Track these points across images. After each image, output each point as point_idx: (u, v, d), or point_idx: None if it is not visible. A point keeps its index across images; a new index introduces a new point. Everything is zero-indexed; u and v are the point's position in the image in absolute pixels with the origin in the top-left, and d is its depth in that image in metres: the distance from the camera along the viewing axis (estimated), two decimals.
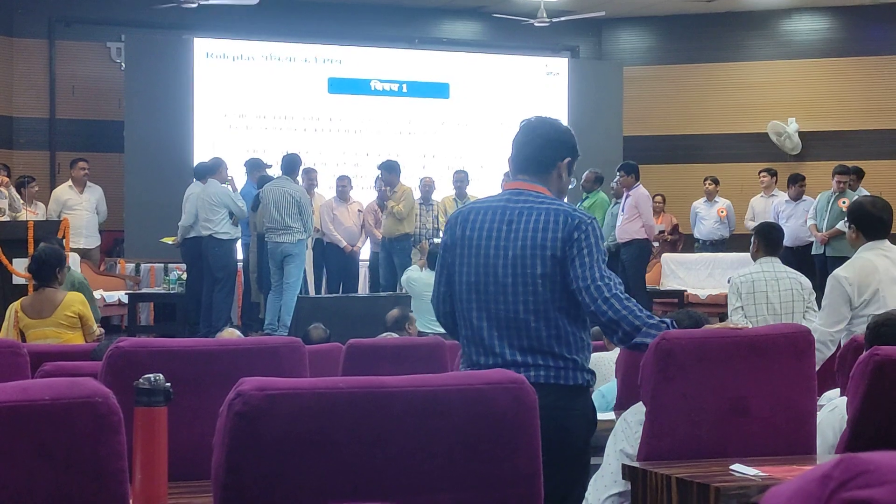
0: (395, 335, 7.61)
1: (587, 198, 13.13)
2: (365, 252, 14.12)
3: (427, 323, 10.25)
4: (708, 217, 15.27)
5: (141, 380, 2.88)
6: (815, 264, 13.18)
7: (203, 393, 3.25)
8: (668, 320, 3.83)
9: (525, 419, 2.38)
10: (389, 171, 13.14)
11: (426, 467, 2.30)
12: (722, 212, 15.21)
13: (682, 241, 15.90)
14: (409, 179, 13.73)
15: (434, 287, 4.00)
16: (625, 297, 3.69)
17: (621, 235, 12.57)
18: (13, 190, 13.01)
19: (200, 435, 3.08)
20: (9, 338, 6.91)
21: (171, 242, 12.91)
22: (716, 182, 15.34)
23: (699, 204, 15.41)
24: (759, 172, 15.08)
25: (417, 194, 13.50)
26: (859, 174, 13.58)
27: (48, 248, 7.90)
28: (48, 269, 7.30)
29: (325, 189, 14.31)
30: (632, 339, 3.71)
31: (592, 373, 3.82)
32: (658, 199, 15.19)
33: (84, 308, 7.37)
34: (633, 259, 12.64)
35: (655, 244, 14.13)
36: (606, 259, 3.79)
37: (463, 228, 3.88)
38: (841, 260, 13.06)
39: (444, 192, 14.02)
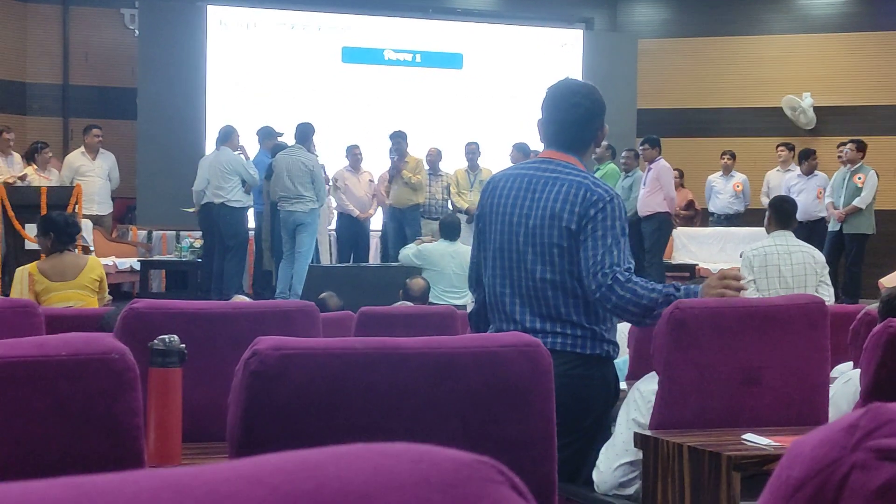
0: (409, 304, 7.61)
1: (598, 169, 13.11)
2: (376, 222, 14.12)
3: (440, 294, 10.23)
4: (724, 191, 15.23)
5: (156, 341, 2.90)
6: (826, 239, 13.15)
7: (217, 355, 3.25)
8: (676, 285, 3.81)
9: (540, 383, 2.38)
10: (403, 139, 13.17)
11: (440, 429, 2.31)
12: (738, 186, 15.18)
13: (699, 217, 15.87)
14: (422, 149, 13.71)
15: (471, 255, 4.04)
16: (625, 280, 3.63)
17: (643, 209, 12.57)
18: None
19: (214, 396, 3.09)
20: None
21: (192, 211, 12.94)
22: (733, 157, 15.31)
23: (715, 178, 15.38)
24: (777, 147, 15.05)
25: (425, 165, 13.49)
26: None
27: (64, 213, 7.98)
28: (74, 229, 7.37)
29: (340, 158, 14.28)
30: (644, 320, 3.71)
31: (615, 344, 3.82)
32: (675, 174, 15.17)
33: (104, 272, 7.44)
34: (654, 232, 12.63)
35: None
36: (626, 237, 3.75)
37: (492, 195, 3.89)
38: (858, 237, 13.18)
39: (456, 162, 14.00)
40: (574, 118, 3.83)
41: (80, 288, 7.15)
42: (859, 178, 13.10)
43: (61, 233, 7.29)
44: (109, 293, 7.84)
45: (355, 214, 13.55)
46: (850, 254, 13.15)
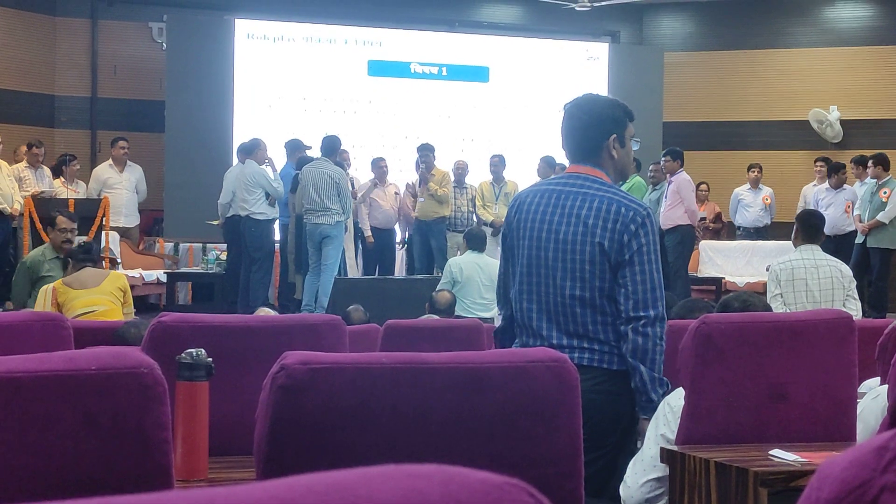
0: (435, 317, 7.62)
1: (623, 182, 13.07)
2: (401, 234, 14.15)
3: (468, 307, 10.21)
4: (753, 205, 15.17)
5: (183, 354, 2.91)
6: (852, 253, 13.11)
7: (244, 369, 3.26)
8: (666, 385, 3.82)
9: (566, 398, 2.38)
10: (431, 152, 13.17)
11: (466, 444, 2.31)
12: (766, 199, 15.13)
13: (725, 229, 15.82)
14: (448, 163, 13.73)
15: (499, 271, 4.05)
16: (653, 333, 3.70)
17: (665, 222, 12.52)
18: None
19: (241, 410, 3.10)
20: None
21: (216, 224, 13.00)
22: (761, 170, 15.26)
23: (743, 191, 15.31)
24: (816, 161, 15.01)
25: (451, 177, 13.49)
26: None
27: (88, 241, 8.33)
28: (85, 251, 7.57)
29: (366, 171, 14.29)
30: (627, 361, 3.72)
31: None
32: (703, 186, 15.15)
33: (127, 286, 7.54)
34: (677, 245, 12.59)
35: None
36: (659, 255, 3.80)
37: (519, 211, 3.89)
38: (881, 251, 13.11)
39: (481, 175, 14.01)
40: (568, 129, 3.89)
41: (104, 293, 7.23)
42: (885, 193, 13.06)
43: (76, 254, 7.54)
44: (135, 305, 7.92)
45: (366, 235, 13.52)
46: (874, 268, 13.09)
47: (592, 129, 3.85)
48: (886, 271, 13.17)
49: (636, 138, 4.00)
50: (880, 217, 13.02)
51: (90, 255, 7.67)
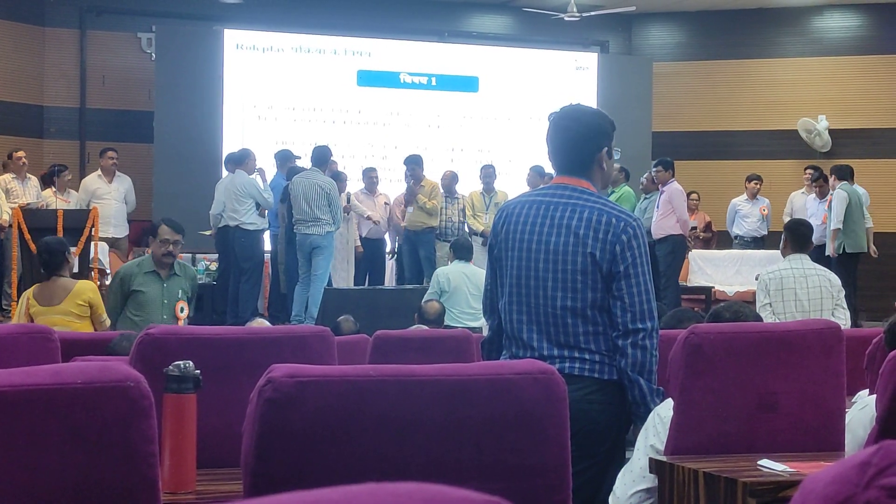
0: (424, 327, 7.61)
1: (613, 192, 13.10)
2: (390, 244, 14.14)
3: (457, 316, 10.20)
4: (751, 215, 15.16)
5: (171, 367, 2.90)
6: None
7: (232, 381, 3.26)
8: (661, 395, 3.81)
9: (554, 410, 2.38)
10: (419, 164, 13.15)
11: (455, 456, 2.31)
12: (764, 210, 15.15)
13: (715, 238, 15.82)
14: (437, 173, 13.72)
15: (485, 282, 4.05)
16: (651, 346, 3.70)
17: (656, 232, 12.54)
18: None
19: (229, 422, 3.09)
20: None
21: (208, 234, 12.97)
22: (760, 181, 15.24)
23: (740, 202, 15.29)
24: (805, 169, 15.04)
25: (441, 189, 13.47)
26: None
27: (52, 237, 8.03)
28: (58, 257, 7.37)
29: (356, 181, 14.28)
30: (625, 374, 3.71)
31: None
32: (694, 196, 15.16)
33: (95, 296, 7.40)
34: (668, 255, 12.61)
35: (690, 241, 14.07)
36: (649, 265, 3.80)
37: (507, 222, 3.88)
38: (839, 256, 13.18)
39: (471, 185, 14.01)
40: (562, 141, 3.86)
41: (65, 313, 7.16)
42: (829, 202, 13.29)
43: (50, 258, 7.34)
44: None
45: (356, 244, 13.49)
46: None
47: (588, 142, 3.85)
48: (846, 275, 13.15)
49: (616, 147, 4.03)
50: (834, 225, 13.25)
51: (59, 268, 7.32)
